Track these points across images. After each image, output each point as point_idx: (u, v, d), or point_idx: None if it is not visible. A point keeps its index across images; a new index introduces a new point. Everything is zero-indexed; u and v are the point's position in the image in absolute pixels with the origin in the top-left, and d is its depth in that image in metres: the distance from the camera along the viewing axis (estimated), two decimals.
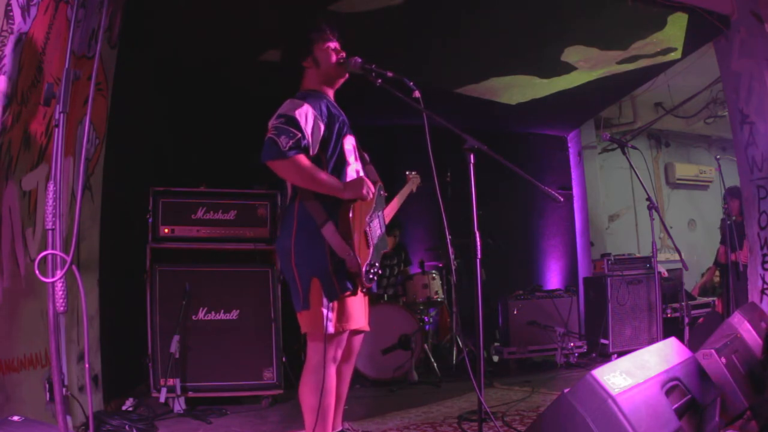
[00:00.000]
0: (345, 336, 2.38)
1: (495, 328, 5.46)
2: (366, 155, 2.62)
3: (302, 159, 2.24)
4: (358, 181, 2.35)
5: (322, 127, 2.32)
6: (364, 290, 2.42)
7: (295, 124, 2.23)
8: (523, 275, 6.50)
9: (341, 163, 2.41)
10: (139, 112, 4.18)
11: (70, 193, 3.01)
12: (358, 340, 2.58)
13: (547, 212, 6.91)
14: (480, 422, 2.12)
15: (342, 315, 2.32)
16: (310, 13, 3.95)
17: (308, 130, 2.26)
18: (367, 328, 2.53)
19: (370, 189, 2.36)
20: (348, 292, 2.32)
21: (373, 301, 4.46)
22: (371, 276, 2.35)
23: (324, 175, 2.30)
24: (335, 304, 2.29)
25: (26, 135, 2.54)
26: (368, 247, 2.38)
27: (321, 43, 2.47)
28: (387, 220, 2.65)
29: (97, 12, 3.00)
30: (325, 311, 2.26)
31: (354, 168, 2.47)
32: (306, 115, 2.27)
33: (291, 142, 2.20)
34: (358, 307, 2.41)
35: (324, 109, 2.36)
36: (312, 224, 2.30)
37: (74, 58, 2.87)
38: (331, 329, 2.27)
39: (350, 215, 2.30)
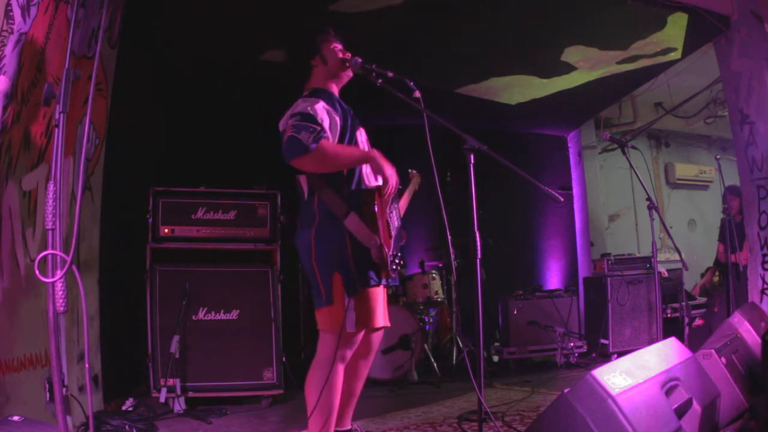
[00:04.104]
0: (360, 336, 2.37)
1: (495, 328, 5.46)
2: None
3: (325, 144, 2.25)
4: (384, 159, 2.38)
5: (338, 120, 2.38)
6: (388, 281, 2.42)
7: (312, 119, 2.27)
8: (523, 275, 6.48)
9: None
10: (139, 112, 4.17)
11: (70, 193, 3.01)
12: (377, 336, 2.57)
13: (547, 212, 6.90)
14: (480, 422, 2.12)
15: (366, 312, 2.31)
16: (310, 12, 3.95)
17: (326, 124, 2.31)
18: (388, 323, 2.53)
19: (394, 173, 2.39)
20: (372, 284, 2.33)
21: None
22: (395, 266, 2.36)
23: (348, 148, 2.37)
24: (355, 300, 2.28)
25: (26, 135, 2.54)
26: (390, 237, 2.39)
27: (328, 43, 2.56)
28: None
29: (97, 12, 2.99)
30: (346, 308, 2.26)
31: None
32: (321, 110, 2.32)
33: (312, 135, 2.22)
34: (382, 303, 2.41)
35: (335, 103, 2.44)
36: (332, 217, 2.32)
37: (74, 58, 2.87)
38: (350, 327, 2.27)
39: (375, 205, 2.31)
